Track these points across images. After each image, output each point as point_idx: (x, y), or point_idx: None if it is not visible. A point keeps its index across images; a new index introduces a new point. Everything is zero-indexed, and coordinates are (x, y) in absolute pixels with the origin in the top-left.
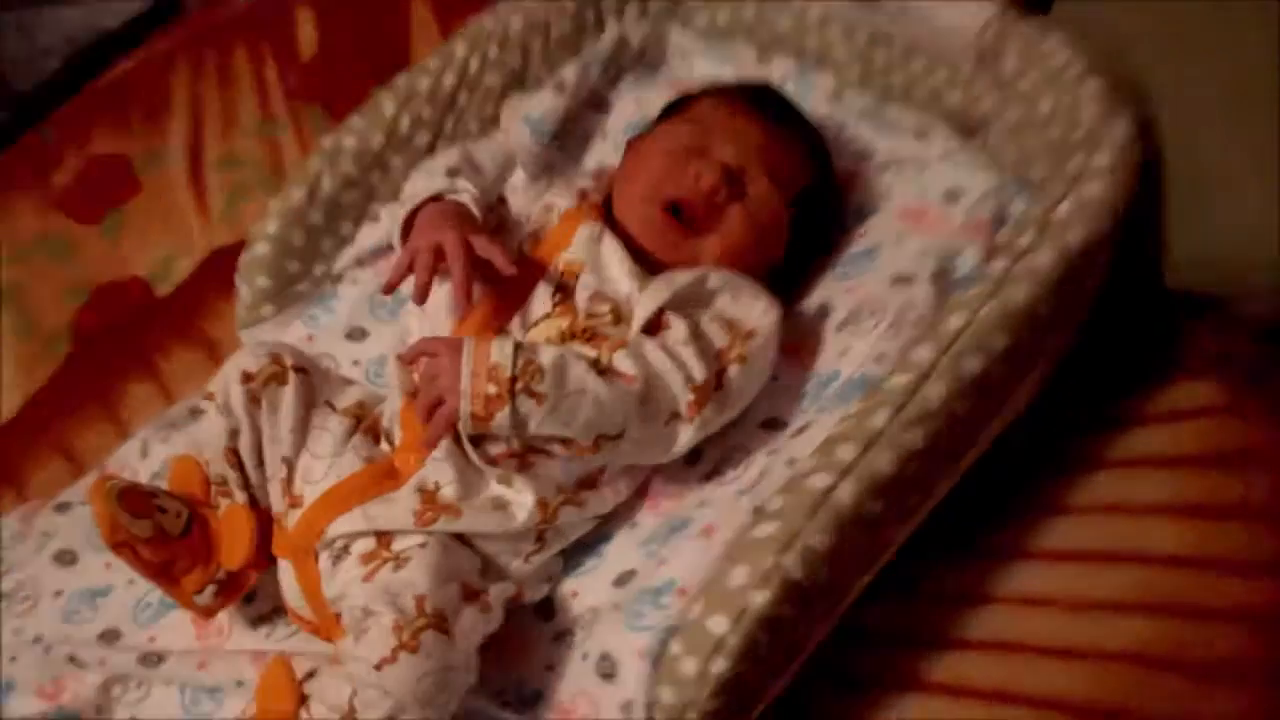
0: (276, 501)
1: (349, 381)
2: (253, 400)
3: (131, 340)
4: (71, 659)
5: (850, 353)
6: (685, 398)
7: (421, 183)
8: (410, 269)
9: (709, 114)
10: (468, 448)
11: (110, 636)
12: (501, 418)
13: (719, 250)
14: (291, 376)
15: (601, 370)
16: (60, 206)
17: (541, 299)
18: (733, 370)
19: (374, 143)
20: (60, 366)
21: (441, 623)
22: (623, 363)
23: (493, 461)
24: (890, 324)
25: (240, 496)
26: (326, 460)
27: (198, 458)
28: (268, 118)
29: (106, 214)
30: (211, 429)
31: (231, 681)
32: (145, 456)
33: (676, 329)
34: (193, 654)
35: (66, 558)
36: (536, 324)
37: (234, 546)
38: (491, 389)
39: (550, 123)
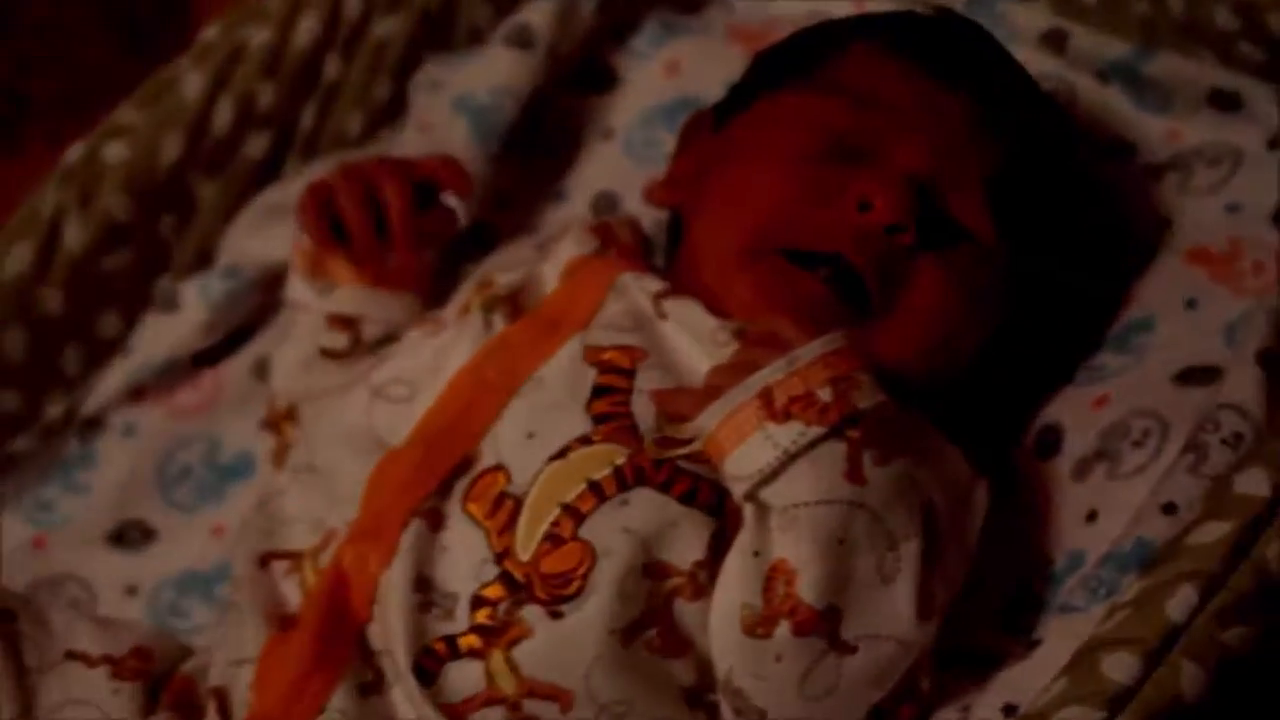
0: None
1: (105, 622)
2: None
3: None
4: None
5: (1104, 514)
6: (907, 694)
7: (258, 238)
8: (314, 212)
9: (866, 76)
10: (409, 688)
11: None
12: (781, 436)
13: (900, 351)
14: None
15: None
16: None
17: (562, 411)
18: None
19: (165, 155)
20: None
21: None
22: None
23: (455, 716)
24: (1184, 449)
25: None
26: None
27: None
28: None
29: None
30: None
31: None
32: None
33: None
34: None
35: None
36: (562, 454)
37: None
38: (824, 394)
39: (507, 110)
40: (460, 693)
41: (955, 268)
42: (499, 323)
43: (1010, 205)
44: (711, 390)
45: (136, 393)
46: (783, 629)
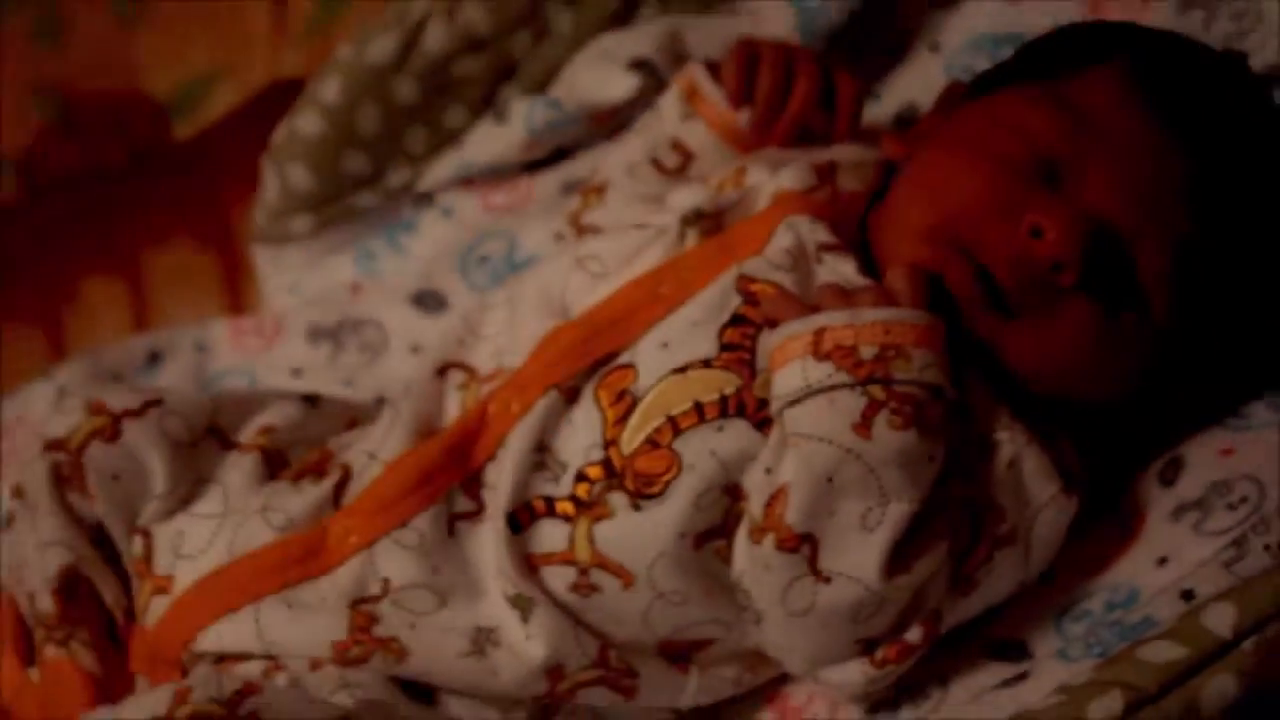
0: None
1: (255, 402)
2: (62, 481)
3: (112, 200)
4: None
5: (1173, 564)
6: (895, 638)
7: (588, 75)
8: (740, 64)
9: (1096, 99)
10: (497, 529)
11: None
12: (813, 372)
13: (1020, 363)
14: (131, 427)
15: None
16: None
17: (698, 330)
18: (973, 588)
19: None
20: None
21: None
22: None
23: (530, 564)
24: (1230, 543)
25: (76, 641)
26: (212, 521)
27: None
28: None
29: None
30: (22, 541)
31: None
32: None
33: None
34: None
35: None
36: (683, 370)
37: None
38: (866, 351)
39: (834, 13)
40: (543, 547)
41: (1110, 322)
42: (691, 239)
43: (1200, 286)
44: (805, 309)
45: (466, 181)
46: (769, 540)
